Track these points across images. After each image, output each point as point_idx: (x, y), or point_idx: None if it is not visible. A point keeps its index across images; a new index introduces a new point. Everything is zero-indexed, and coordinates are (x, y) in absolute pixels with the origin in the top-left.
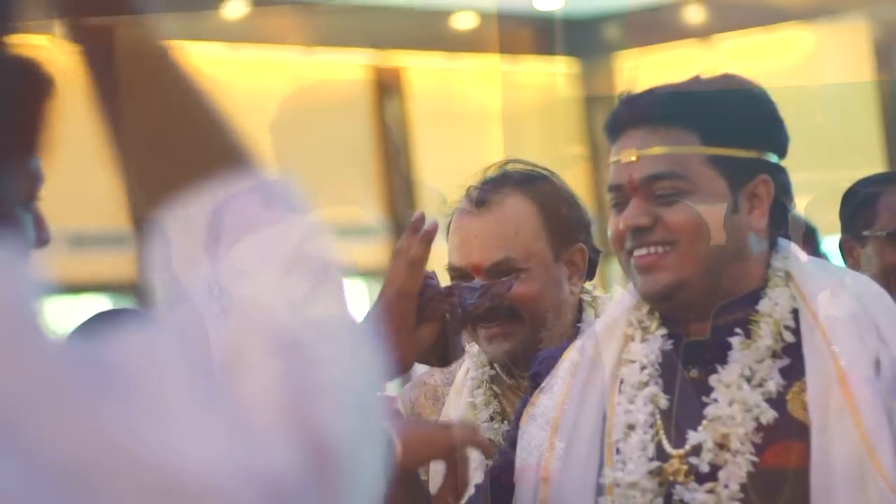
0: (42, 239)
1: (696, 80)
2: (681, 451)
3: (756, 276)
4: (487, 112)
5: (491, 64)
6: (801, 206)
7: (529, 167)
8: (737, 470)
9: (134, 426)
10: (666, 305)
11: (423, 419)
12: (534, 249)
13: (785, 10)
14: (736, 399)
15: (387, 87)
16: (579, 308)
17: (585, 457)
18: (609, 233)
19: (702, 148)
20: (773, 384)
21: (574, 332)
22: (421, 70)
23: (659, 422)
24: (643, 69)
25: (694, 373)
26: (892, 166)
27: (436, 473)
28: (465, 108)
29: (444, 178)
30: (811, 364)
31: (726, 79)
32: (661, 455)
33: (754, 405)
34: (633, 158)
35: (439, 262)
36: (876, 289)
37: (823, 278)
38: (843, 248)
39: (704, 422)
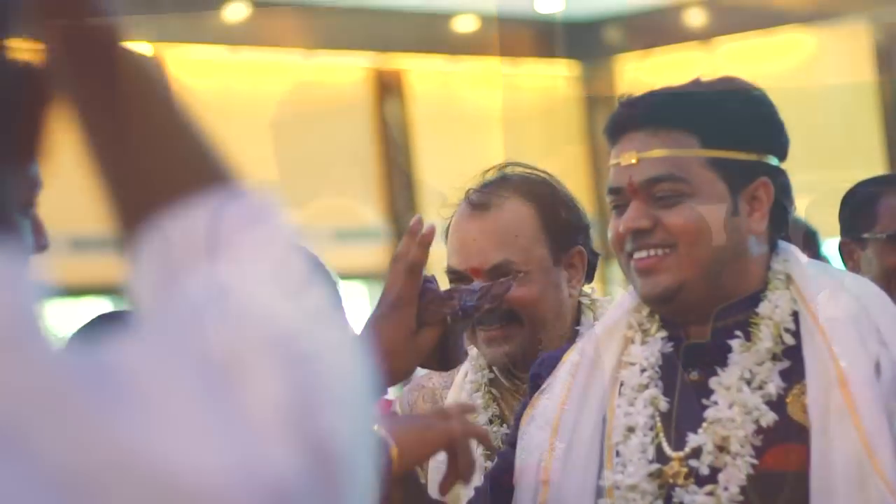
0: (41, 245)
1: (697, 82)
2: (681, 454)
3: (756, 278)
4: (488, 114)
5: (492, 66)
6: (802, 207)
7: (528, 170)
8: (736, 472)
9: (136, 430)
10: (666, 308)
11: (415, 414)
12: (533, 252)
13: (786, 14)
14: (736, 401)
15: (388, 90)
16: (578, 311)
17: (585, 459)
18: (609, 235)
19: (702, 150)
20: (773, 387)
21: (573, 335)
22: (422, 73)
23: (659, 424)
24: (644, 72)
25: (694, 375)
26: (893, 168)
27: (434, 472)
28: (466, 110)
29: (445, 181)
30: (811, 366)
31: (726, 81)
32: (661, 457)
33: (754, 408)
34: (634, 161)
35: (439, 264)
36: (876, 291)
37: (824, 281)
38: (843, 250)
39: (704, 424)
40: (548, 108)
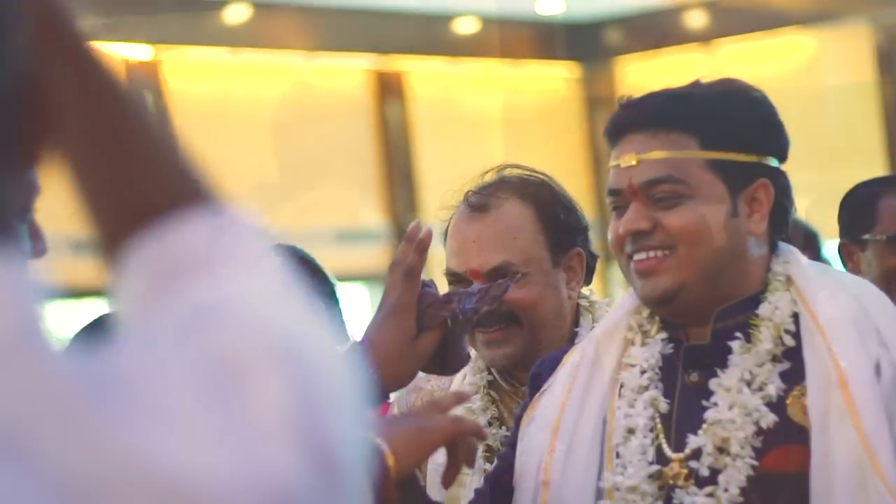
0: (39, 249)
1: (697, 84)
2: (681, 455)
3: (756, 279)
4: (489, 116)
5: (492, 68)
6: (802, 208)
7: (527, 172)
8: (737, 474)
9: (139, 434)
10: (666, 309)
11: (409, 413)
12: (532, 254)
13: (786, 15)
14: (736, 403)
15: (388, 92)
16: (576, 313)
17: (585, 461)
18: (609, 237)
19: (701, 152)
20: (774, 388)
21: (571, 337)
22: (422, 74)
23: (659, 426)
24: (644, 73)
25: (694, 377)
26: (893, 169)
27: (434, 474)
28: (467, 112)
29: (446, 183)
30: (811, 367)
31: (726, 83)
32: (661, 459)
33: (754, 409)
34: (633, 162)
35: (438, 267)
36: (876, 292)
37: (824, 282)
38: (843, 252)
39: (704, 426)
40: (548, 110)
